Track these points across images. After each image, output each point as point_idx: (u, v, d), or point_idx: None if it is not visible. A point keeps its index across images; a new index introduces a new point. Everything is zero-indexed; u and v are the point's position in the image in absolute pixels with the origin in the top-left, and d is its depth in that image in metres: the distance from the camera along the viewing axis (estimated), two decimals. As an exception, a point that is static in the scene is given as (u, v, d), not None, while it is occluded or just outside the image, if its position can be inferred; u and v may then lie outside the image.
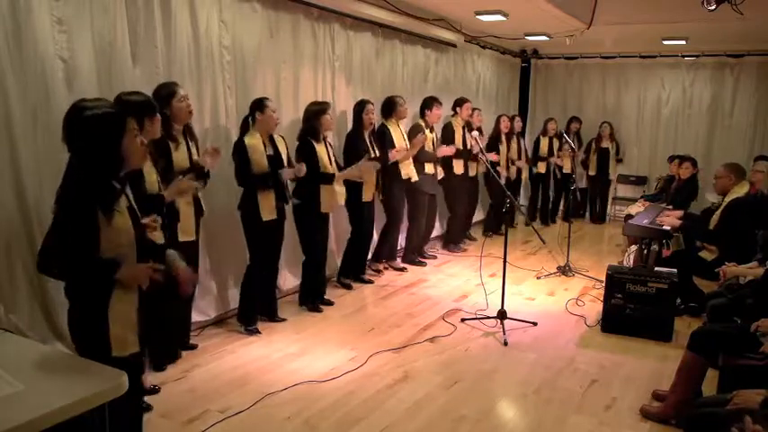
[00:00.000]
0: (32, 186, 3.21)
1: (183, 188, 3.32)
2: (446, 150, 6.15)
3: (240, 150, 4.03)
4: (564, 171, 8.54)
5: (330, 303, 4.89)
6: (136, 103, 2.96)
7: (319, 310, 4.73)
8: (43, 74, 3.20)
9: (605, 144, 8.68)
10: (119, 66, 3.56)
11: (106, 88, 3.42)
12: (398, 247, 6.18)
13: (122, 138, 2.10)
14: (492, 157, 7.06)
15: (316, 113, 4.53)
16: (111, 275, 2.07)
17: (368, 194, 5.16)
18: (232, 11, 4.32)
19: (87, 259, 2.04)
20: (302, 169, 4.25)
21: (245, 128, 4.13)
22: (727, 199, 4.69)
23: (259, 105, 4.08)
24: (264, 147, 4.08)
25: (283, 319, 4.50)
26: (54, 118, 3.23)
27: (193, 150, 3.64)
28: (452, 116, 6.54)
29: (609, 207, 9.16)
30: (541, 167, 8.33)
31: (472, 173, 6.76)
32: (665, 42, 7.87)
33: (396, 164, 5.52)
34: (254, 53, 4.54)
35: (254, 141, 4.05)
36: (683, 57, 8.61)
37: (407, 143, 5.67)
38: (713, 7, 4.62)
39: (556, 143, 8.41)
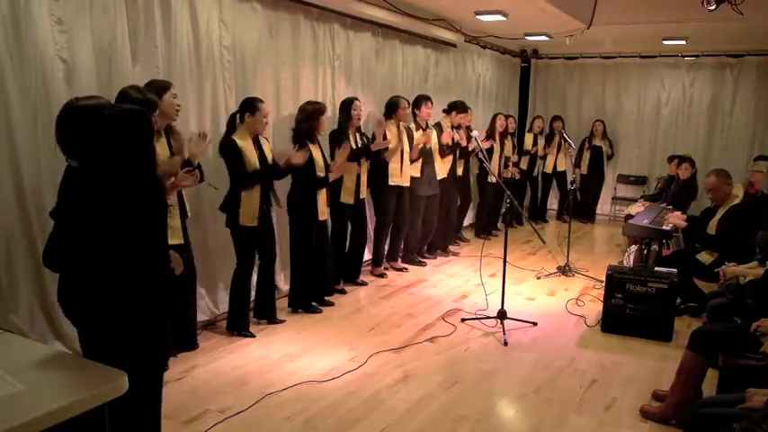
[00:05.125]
0: (32, 186, 3.21)
1: (166, 167, 3.11)
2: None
3: (233, 150, 3.95)
4: (558, 170, 8.66)
5: (330, 304, 4.89)
6: (136, 100, 2.93)
7: (319, 311, 4.73)
8: (43, 74, 3.21)
9: (598, 142, 8.70)
10: (119, 65, 3.56)
11: (106, 88, 3.42)
12: (399, 248, 6.17)
13: (152, 134, 2.12)
14: (485, 144, 7.00)
15: (313, 114, 4.46)
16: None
17: (346, 196, 5.05)
18: (232, 11, 4.32)
19: (164, 258, 2.10)
20: (304, 156, 4.25)
21: (230, 125, 4.05)
22: (726, 205, 4.65)
23: (251, 107, 4.02)
24: (253, 147, 4.05)
25: (282, 320, 4.50)
26: (54, 118, 3.23)
27: (172, 147, 3.57)
28: (445, 116, 6.45)
29: (604, 206, 9.16)
30: (523, 164, 8.29)
31: (460, 172, 6.71)
32: (665, 42, 7.87)
33: (385, 169, 5.44)
34: (254, 53, 4.54)
35: (244, 142, 3.99)
36: (683, 57, 8.61)
37: (402, 143, 5.62)
38: (713, 7, 4.63)
39: (540, 141, 8.47)
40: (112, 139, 2.03)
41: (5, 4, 3.02)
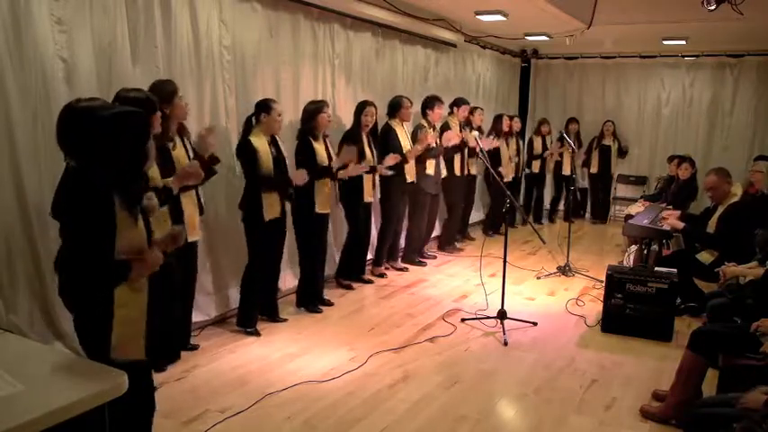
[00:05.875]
0: (32, 186, 3.21)
1: (190, 171, 3.16)
2: (451, 135, 6.02)
3: (249, 151, 3.99)
4: (563, 172, 8.61)
5: (330, 304, 4.89)
6: (137, 100, 2.89)
7: (319, 311, 4.73)
8: (43, 74, 3.20)
9: (607, 142, 8.71)
10: (119, 66, 3.56)
11: (106, 88, 3.42)
12: (399, 247, 6.18)
13: (150, 137, 2.12)
14: (494, 143, 7.06)
15: (313, 112, 4.51)
16: (123, 277, 2.10)
17: (368, 195, 5.17)
18: (232, 11, 4.32)
19: (105, 262, 2.05)
20: (303, 176, 4.22)
21: (247, 128, 4.11)
22: (725, 204, 4.66)
23: (265, 107, 4.05)
24: (269, 148, 4.08)
25: (284, 320, 4.50)
26: (54, 118, 3.20)
27: (188, 147, 3.62)
28: (449, 115, 6.51)
29: (610, 207, 9.18)
30: (535, 167, 8.35)
31: (473, 171, 6.77)
32: (665, 42, 7.87)
33: (398, 165, 5.47)
34: (254, 53, 4.54)
35: (260, 143, 4.03)
36: (683, 57, 8.61)
37: (411, 143, 5.66)
38: (713, 7, 4.63)
39: (549, 143, 8.49)
40: (110, 142, 2.04)
41: (5, 4, 3.02)
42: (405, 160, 5.51)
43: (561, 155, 8.54)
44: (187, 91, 3.99)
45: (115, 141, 2.04)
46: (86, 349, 2.15)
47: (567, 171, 8.59)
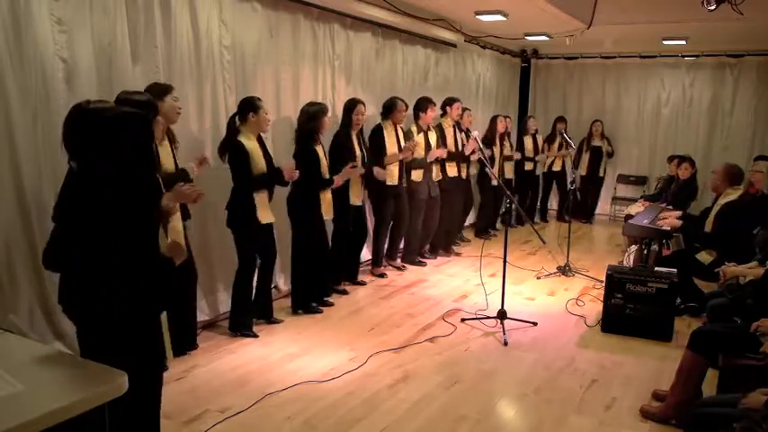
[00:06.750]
0: (32, 187, 3.21)
1: (184, 192, 3.09)
2: (437, 153, 6.03)
3: (241, 153, 3.93)
4: (559, 170, 8.65)
5: (330, 304, 4.89)
6: (139, 102, 2.88)
7: (319, 311, 4.73)
8: (43, 74, 3.21)
9: (597, 142, 8.69)
10: (119, 66, 3.56)
11: (106, 88, 3.43)
12: (398, 248, 6.17)
13: (153, 137, 2.17)
14: (487, 152, 7.04)
15: (316, 115, 4.46)
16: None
17: (355, 198, 5.10)
18: (232, 11, 4.32)
19: (157, 260, 2.12)
20: (293, 172, 4.19)
21: (232, 127, 4.02)
22: (721, 201, 4.68)
23: (252, 106, 3.99)
24: (259, 148, 4.06)
25: (280, 320, 4.49)
26: (54, 118, 3.24)
27: (174, 153, 3.59)
28: (442, 116, 6.45)
29: (604, 206, 9.17)
30: (527, 166, 8.32)
31: (464, 175, 6.73)
32: (665, 42, 7.87)
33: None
34: (254, 53, 4.54)
35: (251, 144, 3.99)
36: (683, 57, 8.62)
37: (399, 147, 5.60)
38: (713, 7, 4.63)
39: (539, 141, 8.49)
40: (112, 142, 2.05)
41: (5, 4, 3.02)
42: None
43: (544, 153, 8.55)
44: (187, 91, 4.00)
45: (118, 142, 2.06)
46: (103, 349, 2.10)
47: (555, 167, 8.63)
